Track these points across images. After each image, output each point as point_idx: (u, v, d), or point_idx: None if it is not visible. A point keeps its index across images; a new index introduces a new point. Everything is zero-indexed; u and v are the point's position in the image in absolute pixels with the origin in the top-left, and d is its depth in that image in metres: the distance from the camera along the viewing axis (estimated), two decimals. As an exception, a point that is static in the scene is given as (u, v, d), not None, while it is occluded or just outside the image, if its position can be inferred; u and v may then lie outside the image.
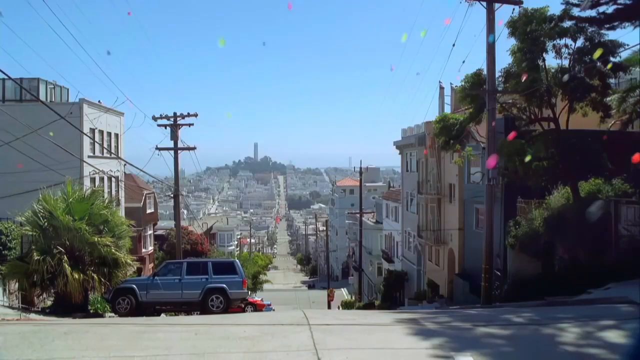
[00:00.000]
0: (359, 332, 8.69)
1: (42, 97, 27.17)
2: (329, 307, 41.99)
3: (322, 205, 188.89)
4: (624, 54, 15.32)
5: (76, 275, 14.06)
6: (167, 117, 25.35)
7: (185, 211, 59.21)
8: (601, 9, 14.34)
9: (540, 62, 15.78)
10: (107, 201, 17.42)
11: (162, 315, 17.95)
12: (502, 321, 9.69)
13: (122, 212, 28.99)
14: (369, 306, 35.90)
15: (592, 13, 14.67)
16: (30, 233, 14.70)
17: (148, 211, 39.41)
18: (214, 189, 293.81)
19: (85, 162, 24.87)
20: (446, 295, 28.42)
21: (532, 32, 15.17)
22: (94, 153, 29.46)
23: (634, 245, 13.54)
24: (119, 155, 31.94)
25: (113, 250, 15.21)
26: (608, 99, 15.65)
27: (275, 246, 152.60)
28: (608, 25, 14.69)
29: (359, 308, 36.59)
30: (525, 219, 17.23)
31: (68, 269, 13.94)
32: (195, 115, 25.40)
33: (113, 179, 31.88)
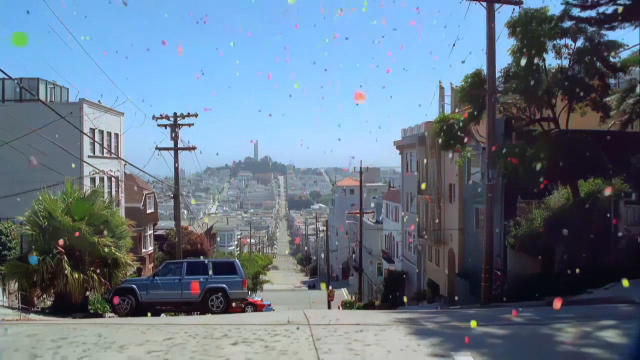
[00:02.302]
0: (359, 331, 8.68)
1: (42, 97, 27.18)
2: (329, 307, 41.95)
3: (322, 205, 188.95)
4: (623, 54, 15.34)
5: (76, 275, 14.06)
6: (167, 117, 25.37)
7: (185, 211, 59.20)
8: (601, 9, 14.37)
9: (540, 62, 15.78)
10: (107, 201, 17.43)
11: (162, 315, 17.94)
12: (502, 321, 9.69)
13: (122, 212, 29.01)
14: (369, 306, 35.88)
15: (592, 13, 14.70)
16: (30, 233, 14.70)
17: (148, 211, 39.43)
18: (214, 189, 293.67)
19: (85, 162, 24.90)
20: (446, 295, 28.38)
21: (532, 32, 15.17)
22: (94, 153, 29.47)
23: (634, 245, 13.53)
24: (119, 155, 31.96)
25: (113, 251, 15.22)
26: (608, 99, 15.65)
27: (275, 246, 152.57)
28: (608, 26, 14.70)
29: (359, 308, 36.57)
30: (525, 219, 17.23)
31: (68, 269, 13.95)
32: (196, 115, 25.42)
33: (113, 179, 31.89)
